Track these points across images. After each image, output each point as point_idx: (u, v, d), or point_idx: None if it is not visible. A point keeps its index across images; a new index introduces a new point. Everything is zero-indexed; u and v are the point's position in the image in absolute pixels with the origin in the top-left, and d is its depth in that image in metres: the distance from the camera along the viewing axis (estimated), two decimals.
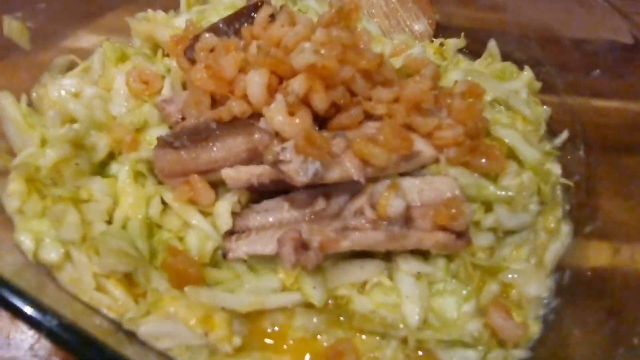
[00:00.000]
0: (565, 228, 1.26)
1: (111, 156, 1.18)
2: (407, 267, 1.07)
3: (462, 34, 1.63)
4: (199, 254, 1.05)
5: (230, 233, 1.07)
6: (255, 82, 1.10)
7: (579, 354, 1.05)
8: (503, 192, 1.14)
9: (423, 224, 1.06)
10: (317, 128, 1.11)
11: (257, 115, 1.12)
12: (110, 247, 0.96)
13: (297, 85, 1.06)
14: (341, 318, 1.07)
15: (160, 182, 1.12)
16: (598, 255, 1.20)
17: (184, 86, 1.33)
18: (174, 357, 0.97)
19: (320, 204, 1.07)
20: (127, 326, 0.97)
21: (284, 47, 1.14)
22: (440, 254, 1.09)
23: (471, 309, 1.06)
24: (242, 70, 1.15)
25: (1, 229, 1.06)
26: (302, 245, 1.00)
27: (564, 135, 1.42)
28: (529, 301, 1.13)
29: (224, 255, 1.05)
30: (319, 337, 1.05)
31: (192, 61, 1.27)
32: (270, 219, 1.08)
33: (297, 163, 0.99)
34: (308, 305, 1.04)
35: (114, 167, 1.15)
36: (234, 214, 1.09)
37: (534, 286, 1.14)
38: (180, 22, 1.50)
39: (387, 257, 1.09)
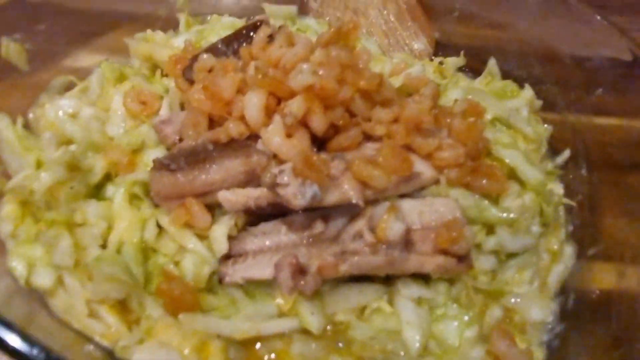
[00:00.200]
0: (569, 250, 1.24)
1: (107, 178, 1.16)
2: (408, 291, 1.05)
3: (462, 52, 1.63)
4: (194, 278, 1.02)
5: (226, 257, 1.05)
6: (253, 104, 1.09)
7: None
8: (505, 214, 1.12)
9: (423, 248, 1.04)
10: (315, 150, 1.10)
11: (255, 136, 1.11)
12: (104, 273, 0.94)
13: (295, 106, 1.05)
14: (340, 344, 1.04)
15: (156, 205, 1.11)
16: (603, 277, 1.18)
17: (183, 107, 1.32)
18: None
19: (319, 227, 1.05)
20: (119, 354, 0.95)
21: (282, 68, 1.14)
22: (441, 278, 1.06)
23: (473, 335, 1.04)
24: (241, 91, 1.14)
25: None
26: (300, 270, 0.98)
27: (566, 154, 1.41)
28: (532, 326, 1.11)
29: (220, 280, 1.03)
30: None
31: (191, 82, 1.26)
32: (268, 243, 1.06)
33: (294, 186, 0.98)
34: (306, 332, 1.02)
35: (109, 190, 1.13)
36: (231, 238, 1.07)
37: (538, 310, 1.12)
38: (179, 42, 1.50)
39: (387, 281, 1.07)
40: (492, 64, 1.58)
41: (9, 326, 0.74)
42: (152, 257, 1.06)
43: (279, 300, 1.03)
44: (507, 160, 1.22)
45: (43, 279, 1.00)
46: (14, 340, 0.73)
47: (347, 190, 1.01)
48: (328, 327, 1.04)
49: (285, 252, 1.02)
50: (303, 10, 1.80)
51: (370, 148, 1.12)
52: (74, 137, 1.21)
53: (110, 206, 1.09)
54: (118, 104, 1.30)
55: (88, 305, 0.99)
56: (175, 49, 1.44)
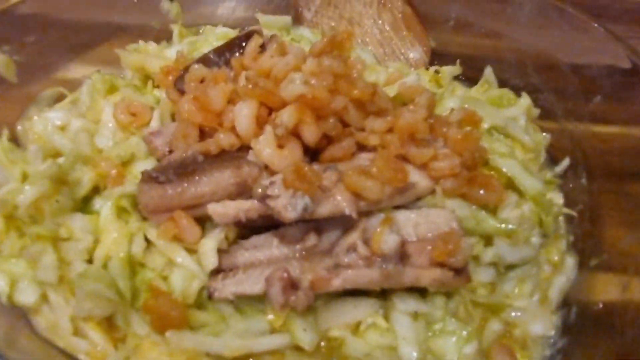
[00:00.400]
0: (570, 261, 1.21)
1: (95, 191, 1.14)
2: (404, 306, 1.01)
3: (458, 61, 1.61)
4: (183, 294, 0.99)
5: (216, 272, 1.02)
6: (244, 114, 1.07)
7: None
8: (503, 225, 1.09)
9: (419, 261, 1.01)
10: (308, 160, 1.08)
11: (246, 148, 1.09)
12: (87, 290, 0.91)
13: (287, 116, 1.03)
14: None
15: (144, 219, 1.08)
16: (606, 289, 1.15)
17: (174, 118, 1.31)
18: None
19: (312, 239, 1.02)
20: None
21: (273, 78, 1.12)
22: (438, 291, 1.03)
23: (473, 350, 1.00)
24: (232, 101, 1.13)
25: None
26: (292, 285, 0.95)
27: (565, 162, 1.38)
28: (534, 341, 1.07)
29: (210, 296, 1.00)
30: None
31: (182, 92, 1.25)
32: (259, 256, 1.03)
33: (285, 198, 0.95)
34: (299, 348, 0.99)
35: (97, 203, 1.11)
36: (222, 251, 1.04)
37: (539, 324, 1.09)
38: (171, 53, 1.49)
39: (382, 295, 1.04)
40: (488, 72, 1.56)
41: None
42: (140, 272, 1.03)
43: (271, 316, 1.00)
44: (504, 170, 1.19)
45: (26, 296, 0.97)
46: None
47: (340, 202, 0.99)
48: (322, 344, 1.01)
49: (277, 266, 0.99)
50: (297, 21, 1.79)
51: (364, 158, 1.10)
52: (62, 149, 1.19)
53: (97, 220, 1.07)
54: (108, 116, 1.28)
55: (73, 322, 0.96)
56: (168, 59, 1.43)
